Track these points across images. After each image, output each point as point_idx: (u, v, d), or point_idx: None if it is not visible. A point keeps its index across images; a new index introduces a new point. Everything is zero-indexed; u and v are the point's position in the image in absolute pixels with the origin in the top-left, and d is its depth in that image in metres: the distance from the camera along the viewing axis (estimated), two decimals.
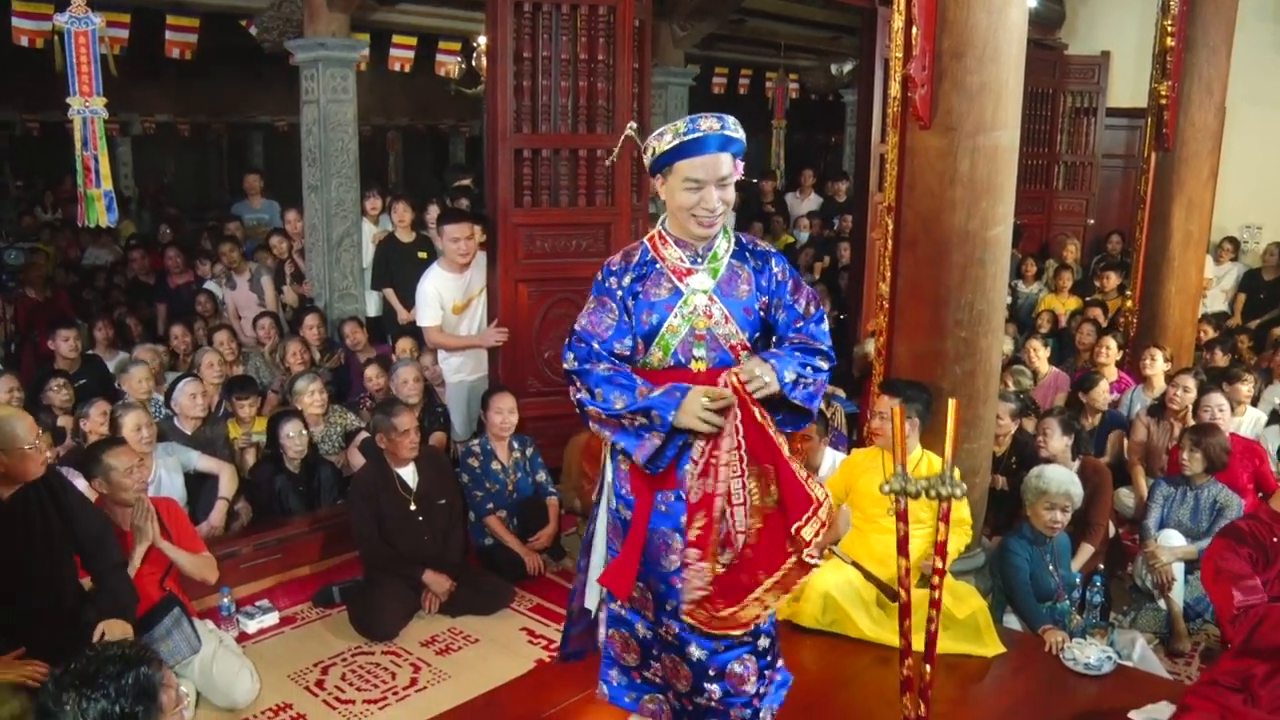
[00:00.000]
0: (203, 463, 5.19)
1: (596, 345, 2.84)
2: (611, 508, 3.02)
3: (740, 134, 2.78)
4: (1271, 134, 9.69)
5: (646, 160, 2.87)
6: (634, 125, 2.97)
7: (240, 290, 7.99)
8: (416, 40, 10.88)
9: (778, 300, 2.91)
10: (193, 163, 17.36)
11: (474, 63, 10.79)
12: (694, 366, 2.85)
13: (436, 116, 17.41)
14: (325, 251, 7.79)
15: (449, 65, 11.72)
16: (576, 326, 2.91)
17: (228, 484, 5.17)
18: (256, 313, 7.56)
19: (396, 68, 10.99)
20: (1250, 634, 3.08)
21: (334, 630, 4.75)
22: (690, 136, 2.74)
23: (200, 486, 5.20)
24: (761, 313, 2.90)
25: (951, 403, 2.33)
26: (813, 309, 2.95)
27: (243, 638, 4.58)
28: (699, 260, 2.89)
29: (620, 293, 2.89)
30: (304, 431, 5.39)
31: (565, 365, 2.89)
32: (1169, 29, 6.87)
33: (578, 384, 2.86)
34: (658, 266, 2.90)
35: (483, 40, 8.60)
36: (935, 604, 2.54)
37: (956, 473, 2.89)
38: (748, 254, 2.95)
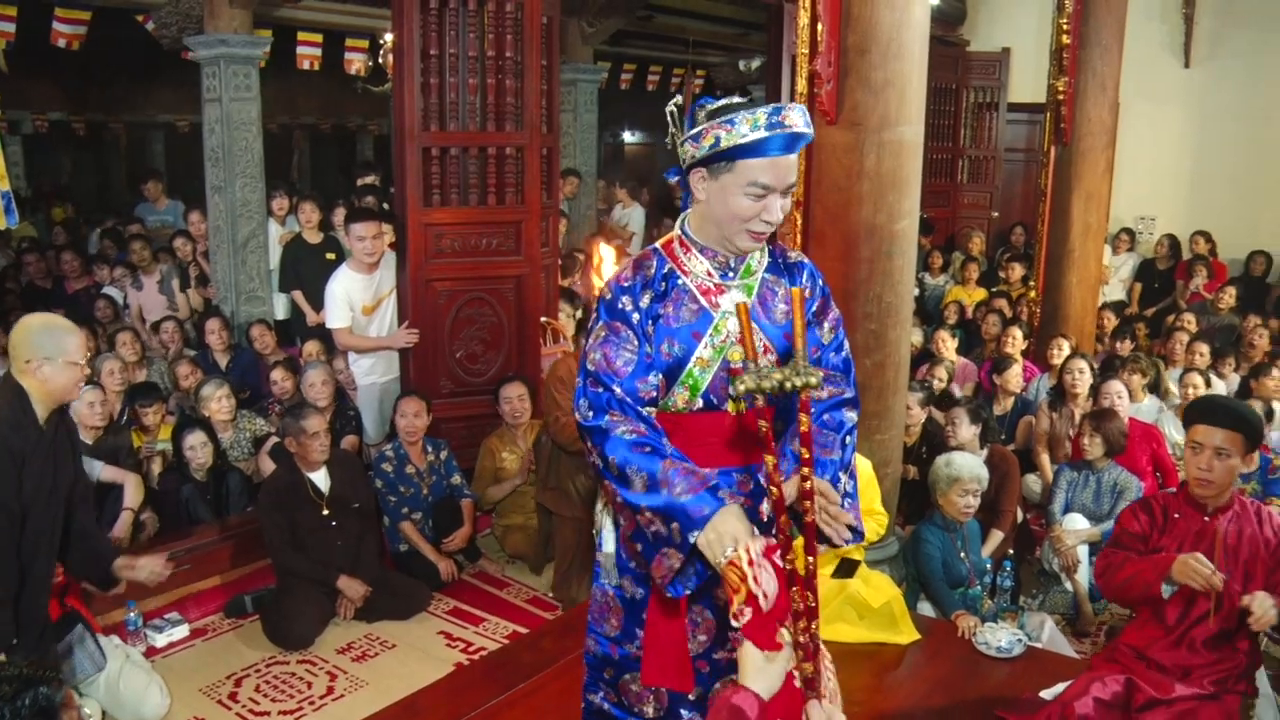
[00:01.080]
0: (106, 473, 5.02)
1: (618, 390, 2.23)
2: (610, 583, 2.46)
3: (811, 128, 2.23)
4: (1162, 129, 10.09)
5: (697, 149, 2.22)
6: (678, 100, 2.36)
7: (148, 291, 7.80)
8: (323, 37, 10.67)
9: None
10: (90, 163, 16.81)
11: (381, 60, 10.62)
12: (730, 408, 2.31)
13: (343, 115, 17.13)
14: (230, 254, 7.63)
15: (356, 62, 11.52)
16: (588, 363, 2.29)
17: (133, 494, 5.02)
18: (161, 316, 7.36)
19: (306, 65, 10.75)
20: (1105, 571, 3.30)
21: (247, 641, 4.66)
22: (772, 132, 2.14)
23: (104, 498, 5.03)
24: None
25: (794, 291, 2.02)
26: (832, 335, 2.44)
27: (151, 652, 4.47)
28: (730, 274, 2.33)
29: (638, 316, 2.29)
30: (207, 443, 5.27)
31: (577, 416, 2.27)
32: (1064, 26, 7.06)
33: (589, 445, 2.25)
34: (680, 282, 2.32)
35: (389, 37, 8.47)
36: (806, 462, 1.98)
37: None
38: (781, 265, 2.41)
